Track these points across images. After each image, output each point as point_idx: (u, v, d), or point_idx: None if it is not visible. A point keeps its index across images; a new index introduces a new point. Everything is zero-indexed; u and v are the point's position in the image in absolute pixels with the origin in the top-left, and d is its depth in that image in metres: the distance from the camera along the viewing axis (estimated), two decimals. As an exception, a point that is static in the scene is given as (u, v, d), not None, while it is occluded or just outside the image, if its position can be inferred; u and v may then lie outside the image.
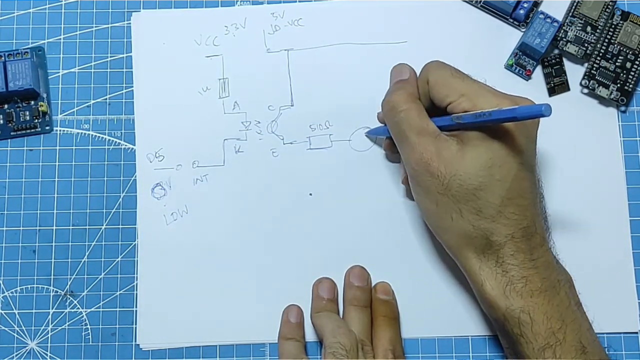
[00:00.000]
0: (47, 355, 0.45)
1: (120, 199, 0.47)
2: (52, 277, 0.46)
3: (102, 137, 0.47)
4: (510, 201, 0.38)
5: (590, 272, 0.45)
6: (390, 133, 0.42)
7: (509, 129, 0.38)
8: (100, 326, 0.45)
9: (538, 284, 0.38)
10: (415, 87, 0.42)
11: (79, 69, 0.48)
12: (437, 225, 0.41)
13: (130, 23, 0.49)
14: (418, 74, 0.42)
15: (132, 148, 0.47)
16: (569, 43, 0.47)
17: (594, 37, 0.47)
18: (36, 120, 0.47)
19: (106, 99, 0.48)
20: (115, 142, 0.47)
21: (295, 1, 0.49)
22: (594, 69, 0.47)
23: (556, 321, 0.37)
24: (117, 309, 0.45)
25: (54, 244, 0.46)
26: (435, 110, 0.40)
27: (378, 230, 0.46)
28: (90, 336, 0.45)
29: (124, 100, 0.48)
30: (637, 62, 0.47)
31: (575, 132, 0.47)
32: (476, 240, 0.39)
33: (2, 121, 0.47)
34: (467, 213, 0.38)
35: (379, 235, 0.46)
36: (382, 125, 0.45)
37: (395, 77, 0.43)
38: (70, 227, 0.46)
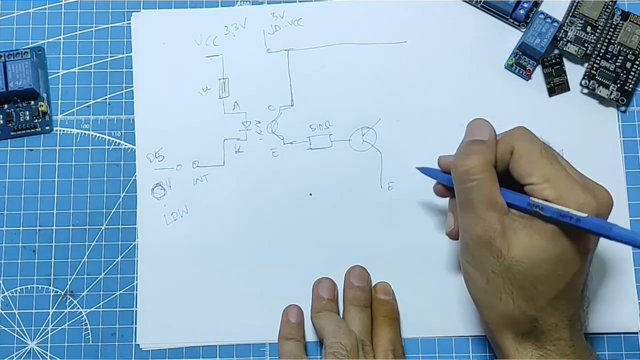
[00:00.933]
0: (47, 355, 0.45)
1: (120, 199, 0.47)
2: (52, 277, 0.46)
3: (102, 137, 0.47)
4: (563, 294, 0.36)
5: (590, 272, 0.45)
6: (450, 183, 0.39)
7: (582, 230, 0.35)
8: (100, 326, 0.45)
9: None
10: (494, 154, 0.38)
11: (79, 69, 0.48)
12: (482, 300, 0.38)
13: (130, 23, 0.49)
14: (499, 136, 0.38)
15: (132, 148, 0.47)
16: (569, 43, 0.47)
17: (594, 37, 0.47)
18: (36, 120, 0.47)
19: (106, 99, 0.48)
20: (115, 142, 0.47)
21: (295, 1, 0.49)
22: (594, 69, 0.47)
23: None
24: (117, 309, 0.45)
25: (54, 244, 0.46)
26: (507, 178, 0.38)
27: (378, 230, 0.46)
28: (90, 336, 0.45)
29: (124, 100, 0.48)
30: (637, 62, 0.47)
31: (575, 132, 0.47)
32: (520, 324, 0.37)
33: (2, 121, 0.47)
34: (519, 298, 0.36)
35: (379, 235, 0.46)
36: (439, 170, 0.42)
37: (472, 135, 0.39)
38: (70, 227, 0.46)
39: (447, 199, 0.42)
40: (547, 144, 0.38)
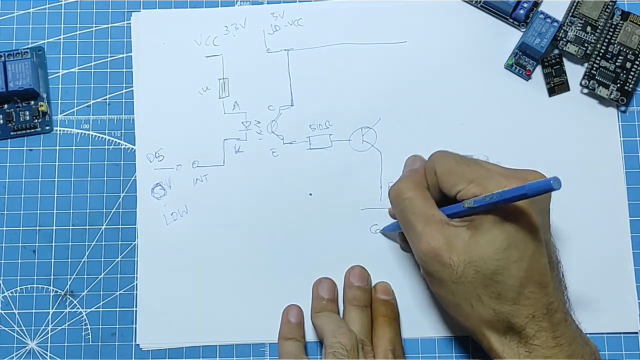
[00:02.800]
0: (47, 355, 0.45)
1: (120, 199, 0.47)
2: (52, 277, 0.46)
3: (102, 137, 0.47)
4: (529, 280, 0.37)
5: (590, 272, 0.45)
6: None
7: (521, 207, 0.36)
8: (100, 326, 0.45)
9: None
10: (422, 176, 0.41)
11: (79, 69, 0.48)
12: (456, 313, 0.39)
13: (130, 23, 0.49)
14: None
15: (132, 148, 0.47)
16: (569, 43, 0.47)
17: (594, 37, 0.47)
18: (36, 120, 0.47)
19: (106, 99, 0.48)
20: (115, 142, 0.47)
21: (295, 1, 0.49)
22: (594, 69, 0.47)
23: None
24: (117, 309, 0.45)
25: (54, 244, 0.46)
26: (446, 201, 0.39)
27: (378, 230, 0.46)
28: (90, 336, 0.45)
29: (124, 100, 0.48)
30: (637, 62, 0.47)
31: (575, 132, 0.47)
32: (498, 324, 0.37)
33: (2, 121, 0.47)
34: (487, 298, 0.37)
35: (379, 235, 0.46)
36: (395, 220, 0.43)
37: (407, 167, 0.43)
38: (70, 227, 0.46)
39: None
40: (468, 156, 0.40)
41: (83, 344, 0.45)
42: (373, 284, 0.45)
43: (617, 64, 0.47)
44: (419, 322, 0.45)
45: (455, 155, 0.40)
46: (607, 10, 0.47)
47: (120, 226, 0.46)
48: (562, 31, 0.47)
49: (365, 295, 0.44)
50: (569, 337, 0.38)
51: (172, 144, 0.47)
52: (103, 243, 0.46)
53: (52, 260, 0.46)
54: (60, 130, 0.47)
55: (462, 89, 0.48)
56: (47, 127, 0.47)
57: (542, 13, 0.47)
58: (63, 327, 0.45)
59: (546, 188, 0.33)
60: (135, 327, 0.45)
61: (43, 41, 0.49)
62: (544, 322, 0.37)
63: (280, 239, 0.46)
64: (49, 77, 0.48)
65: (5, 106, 0.47)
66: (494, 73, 0.48)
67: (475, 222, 0.37)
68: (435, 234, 0.38)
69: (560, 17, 0.47)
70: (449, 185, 0.39)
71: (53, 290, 0.45)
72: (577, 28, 0.47)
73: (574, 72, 0.48)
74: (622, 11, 0.47)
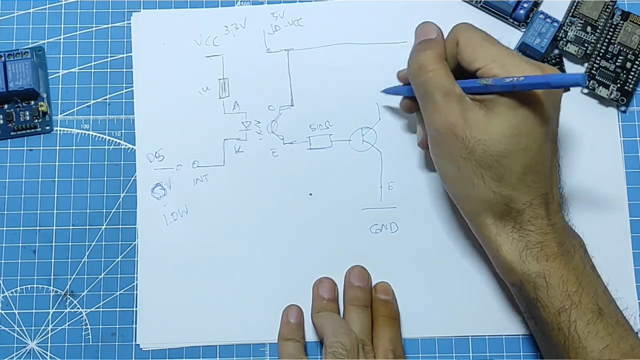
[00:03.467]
0: (47, 355, 0.45)
1: (120, 199, 0.47)
2: (52, 277, 0.46)
3: (102, 137, 0.47)
4: (531, 169, 0.38)
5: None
6: (412, 93, 0.41)
7: (536, 97, 0.37)
8: (100, 326, 0.45)
9: (554, 248, 0.38)
10: (443, 48, 0.40)
11: (79, 69, 0.48)
12: (457, 191, 0.41)
13: (130, 23, 0.49)
14: (446, 35, 0.41)
15: (132, 148, 0.47)
16: (569, 43, 0.47)
17: (594, 37, 0.47)
18: (36, 120, 0.47)
19: (106, 99, 0.48)
20: (115, 142, 0.47)
21: (295, 1, 0.49)
22: (594, 69, 0.47)
23: (572, 284, 0.38)
24: (117, 309, 0.45)
25: (54, 244, 0.46)
26: (461, 73, 0.40)
27: (378, 230, 0.46)
28: (90, 336, 0.45)
29: (124, 100, 0.48)
30: (637, 62, 0.47)
31: (575, 132, 0.47)
32: (495, 207, 0.39)
33: (2, 121, 0.47)
34: (489, 179, 0.38)
35: (379, 235, 0.46)
36: (401, 85, 0.45)
37: (420, 36, 0.42)
38: (70, 227, 0.46)
39: (420, 125, 0.44)
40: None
41: (83, 344, 0.45)
42: (373, 284, 0.45)
43: (617, 64, 0.47)
44: (419, 322, 0.45)
45: (480, 31, 0.40)
46: (607, 10, 0.47)
47: (120, 226, 0.46)
48: (562, 31, 0.47)
49: (365, 295, 0.44)
50: (561, 227, 0.39)
51: (172, 144, 0.47)
52: (103, 243, 0.46)
53: (52, 260, 0.46)
54: (60, 130, 0.47)
55: (462, 89, 0.48)
56: (47, 127, 0.47)
57: (542, 13, 0.47)
58: (63, 327, 0.45)
59: (572, 82, 0.34)
60: (135, 327, 0.45)
61: (43, 41, 0.49)
62: (540, 210, 0.38)
63: (280, 239, 0.46)
64: (49, 77, 0.48)
65: (5, 106, 0.47)
66: (494, 73, 0.48)
67: (489, 103, 0.38)
68: (453, 107, 0.38)
69: (560, 17, 0.47)
70: (470, 60, 0.39)
71: (53, 290, 0.45)
72: (577, 28, 0.47)
73: (574, 72, 0.48)
74: (622, 11, 0.47)
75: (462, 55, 0.39)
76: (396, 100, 0.47)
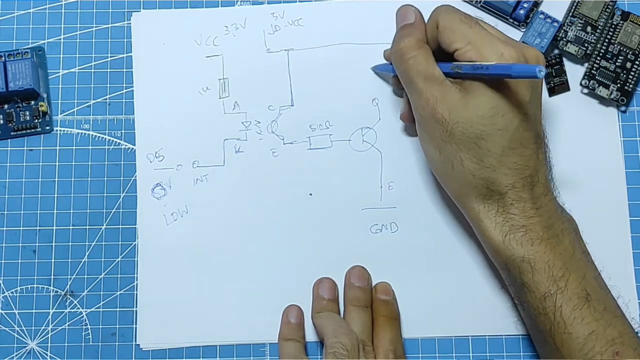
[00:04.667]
0: (47, 355, 0.45)
1: (120, 199, 0.47)
2: (52, 277, 0.46)
3: (102, 137, 0.47)
4: (512, 151, 0.38)
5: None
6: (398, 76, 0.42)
7: (513, 80, 0.37)
8: (100, 326, 0.45)
9: (539, 232, 0.38)
10: (422, 32, 0.41)
11: (79, 69, 0.48)
12: (440, 172, 0.41)
13: (130, 23, 0.49)
14: (427, 18, 0.42)
15: (132, 148, 0.47)
16: (569, 43, 0.47)
17: (594, 37, 0.47)
18: (36, 120, 0.47)
19: (106, 99, 0.48)
20: (115, 142, 0.47)
21: (295, 1, 0.49)
22: (594, 69, 0.47)
23: (558, 269, 0.38)
24: (117, 309, 0.45)
25: (54, 244, 0.46)
26: (443, 53, 0.40)
27: (378, 230, 0.46)
28: (90, 336, 0.45)
29: (124, 100, 0.48)
30: (637, 62, 0.47)
31: (575, 132, 0.47)
32: (477, 189, 0.39)
33: (2, 121, 0.47)
34: (468, 162, 0.38)
35: (379, 235, 0.46)
36: (389, 63, 0.45)
37: (400, 21, 0.42)
38: (70, 227, 0.46)
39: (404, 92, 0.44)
40: (475, 18, 0.40)
41: (83, 344, 0.45)
42: (373, 284, 0.45)
43: (617, 64, 0.47)
44: (419, 322, 0.45)
45: (460, 12, 0.40)
46: (607, 10, 0.47)
47: (120, 226, 0.46)
48: (562, 31, 0.47)
49: (365, 296, 0.44)
50: (548, 210, 0.39)
51: (172, 144, 0.47)
52: (103, 243, 0.46)
53: (52, 260, 0.46)
54: (60, 130, 0.47)
55: (462, 89, 0.48)
56: (47, 127, 0.47)
57: (542, 13, 0.47)
58: (63, 327, 0.45)
59: (530, 74, 0.34)
60: (135, 327, 0.45)
61: (43, 41, 0.49)
62: (523, 193, 0.38)
63: (281, 239, 0.46)
64: (49, 77, 0.48)
65: (6, 106, 0.47)
66: (494, 73, 0.48)
67: (466, 84, 0.38)
68: (433, 91, 0.39)
69: (560, 17, 0.47)
70: (449, 42, 0.39)
71: (53, 290, 0.45)
72: (577, 28, 0.47)
73: (574, 72, 0.48)
74: (622, 11, 0.47)
75: (441, 37, 0.40)
76: (396, 101, 0.47)
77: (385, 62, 0.47)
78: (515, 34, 0.48)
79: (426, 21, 0.42)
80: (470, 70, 0.38)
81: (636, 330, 0.44)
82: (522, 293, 0.39)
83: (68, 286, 0.45)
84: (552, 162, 0.43)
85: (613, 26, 0.47)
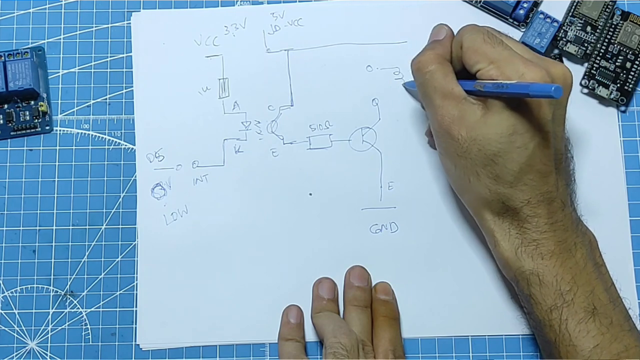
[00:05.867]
0: (47, 355, 0.45)
1: (120, 199, 0.47)
2: (52, 277, 0.46)
3: (102, 137, 0.47)
4: (530, 168, 0.38)
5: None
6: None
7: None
8: (100, 326, 0.45)
9: (551, 247, 0.38)
10: (447, 49, 0.41)
11: (79, 69, 0.48)
12: (456, 185, 0.42)
13: (130, 23, 0.49)
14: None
15: (132, 148, 0.47)
16: (569, 43, 0.47)
17: (594, 37, 0.47)
18: (36, 120, 0.47)
19: (106, 99, 0.48)
20: (115, 142, 0.47)
21: (295, 1, 0.49)
22: (594, 68, 0.47)
23: (566, 283, 0.38)
24: (117, 309, 0.45)
25: (54, 244, 0.46)
26: (469, 73, 0.40)
27: (378, 230, 0.46)
28: (90, 336, 0.45)
29: (124, 100, 0.48)
30: (637, 62, 0.47)
31: (575, 132, 0.47)
32: (492, 204, 0.39)
33: (2, 121, 0.47)
34: (485, 177, 0.39)
35: (379, 235, 0.46)
36: None
37: (432, 37, 0.43)
38: (70, 227, 0.46)
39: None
40: (503, 33, 0.41)
41: (83, 344, 0.45)
42: (373, 284, 0.45)
43: (617, 64, 0.47)
44: (419, 322, 0.45)
45: (484, 32, 0.40)
46: (607, 10, 0.47)
47: (120, 226, 0.46)
48: (562, 31, 0.47)
49: (365, 296, 0.44)
50: (564, 225, 0.39)
51: (172, 144, 0.47)
52: (103, 243, 0.46)
53: (52, 260, 0.46)
54: (60, 130, 0.47)
55: (462, 89, 0.48)
56: (47, 127, 0.47)
57: (542, 13, 0.47)
58: (63, 327, 0.45)
59: (546, 94, 0.34)
60: (135, 327, 0.45)
61: (43, 41, 0.49)
62: (539, 209, 0.38)
63: (280, 239, 0.46)
64: (49, 77, 0.48)
65: (5, 106, 0.47)
66: (494, 73, 0.48)
67: (489, 103, 0.38)
68: (450, 109, 0.39)
69: (560, 17, 0.47)
70: (472, 62, 0.39)
71: (53, 290, 0.45)
72: (577, 28, 0.47)
73: (574, 72, 0.47)
74: (622, 11, 0.47)
75: (465, 58, 0.40)
76: (396, 101, 0.47)
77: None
78: (515, 34, 0.48)
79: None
80: (492, 88, 0.37)
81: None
82: (529, 305, 0.39)
83: (68, 286, 0.45)
84: (575, 174, 0.43)
85: (613, 26, 0.47)
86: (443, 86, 0.39)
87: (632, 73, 0.47)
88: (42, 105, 0.47)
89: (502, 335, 0.45)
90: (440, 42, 0.42)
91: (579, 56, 0.47)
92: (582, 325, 0.37)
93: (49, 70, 0.48)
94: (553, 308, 0.38)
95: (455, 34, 0.42)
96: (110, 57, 0.48)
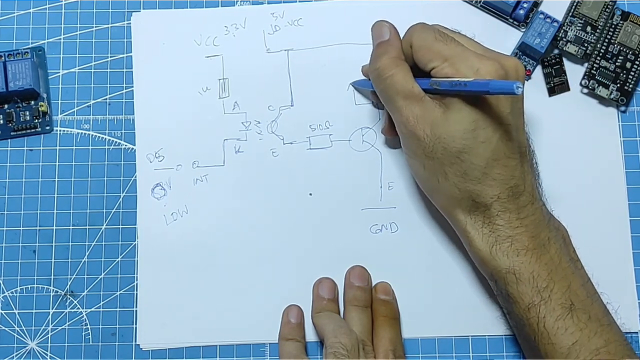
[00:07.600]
0: (47, 355, 0.45)
1: (120, 199, 0.47)
2: (52, 277, 0.46)
3: (102, 137, 0.47)
4: (495, 162, 0.38)
5: (590, 272, 0.44)
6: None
7: None
8: (100, 326, 0.45)
9: (525, 242, 0.38)
10: (398, 48, 0.41)
11: (79, 69, 0.48)
12: (426, 187, 0.42)
13: (130, 23, 0.49)
14: (402, 35, 0.42)
15: (132, 148, 0.47)
16: (569, 43, 0.47)
17: (594, 37, 0.47)
18: (36, 120, 0.47)
19: (106, 99, 0.48)
20: (115, 142, 0.47)
21: (295, 1, 0.49)
22: (594, 69, 0.47)
23: (543, 280, 0.38)
24: (117, 309, 0.45)
25: (54, 244, 0.46)
26: (421, 70, 0.40)
27: (378, 230, 0.46)
28: (90, 336, 0.45)
29: (124, 100, 0.48)
30: (637, 62, 0.47)
31: (575, 132, 0.47)
32: (463, 202, 0.39)
33: (2, 121, 0.47)
34: (453, 176, 0.39)
35: (379, 235, 0.46)
36: (367, 78, 0.45)
37: (376, 39, 0.42)
38: (70, 227, 0.46)
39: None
40: (452, 30, 0.41)
41: (83, 344, 0.45)
42: (373, 284, 0.45)
43: (617, 64, 0.47)
44: (419, 322, 0.45)
45: (434, 30, 0.40)
46: (607, 10, 0.47)
47: (120, 226, 0.46)
48: (562, 31, 0.47)
49: (365, 296, 0.44)
50: (536, 219, 0.39)
51: (172, 144, 0.47)
52: (103, 243, 0.46)
53: (52, 260, 0.46)
54: (60, 130, 0.47)
55: (462, 89, 0.48)
56: (47, 127, 0.47)
57: (542, 13, 0.47)
58: (63, 327, 0.45)
59: (508, 90, 0.34)
60: (135, 327, 0.45)
61: (43, 41, 0.49)
62: (509, 204, 0.38)
63: (280, 239, 0.46)
64: (49, 77, 0.48)
65: (6, 106, 0.47)
66: (494, 73, 0.48)
67: (446, 100, 0.39)
68: (413, 108, 0.39)
69: (560, 17, 0.47)
70: (425, 61, 0.39)
71: (53, 290, 0.45)
72: (577, 28, 0.47)
73: (574, 72, 0.48)
74: (622, 11, 0.47)
75: (417, 57, 0.40)
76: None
77: (363, 77, 0.47)
78: (515, 34, 0.48)
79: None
80: (448, 87, 0.37)
81: (637, 331, 0.44)
82: (507, 304, 0.39)
83: (68, 286, 0.45)
84: (539, 169, 0.43)
85: (613, 26, 0.47)
86: (404, 87, 0.39)
87: (632, 73, 0.47)
88: (42, 105, 0.47)
89: (502, 335, 0.45)
90: (390, 44, 0.41)
91: (579, 56, 0.47)
92: (560, 322, 0.37)
93: (49, 70, 0.48)
94: (531, 306, 0.38)
95: (396, 29, 0.42)
96: (111, 57, 0.48)
